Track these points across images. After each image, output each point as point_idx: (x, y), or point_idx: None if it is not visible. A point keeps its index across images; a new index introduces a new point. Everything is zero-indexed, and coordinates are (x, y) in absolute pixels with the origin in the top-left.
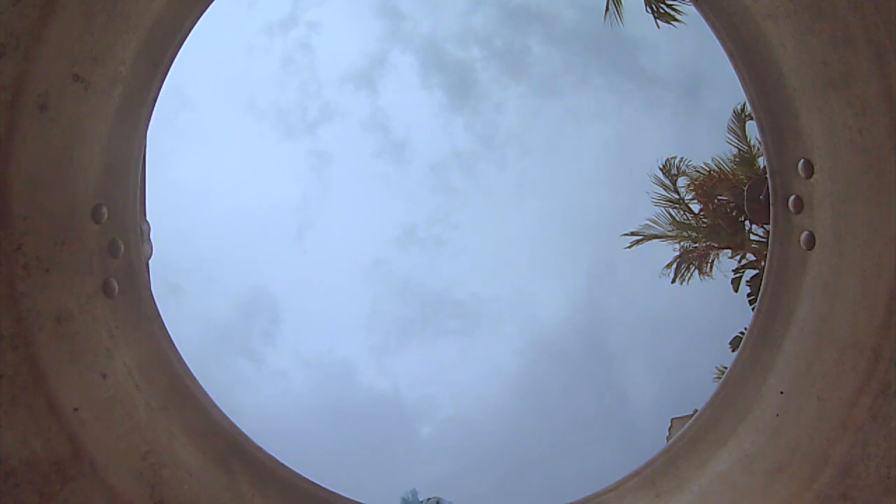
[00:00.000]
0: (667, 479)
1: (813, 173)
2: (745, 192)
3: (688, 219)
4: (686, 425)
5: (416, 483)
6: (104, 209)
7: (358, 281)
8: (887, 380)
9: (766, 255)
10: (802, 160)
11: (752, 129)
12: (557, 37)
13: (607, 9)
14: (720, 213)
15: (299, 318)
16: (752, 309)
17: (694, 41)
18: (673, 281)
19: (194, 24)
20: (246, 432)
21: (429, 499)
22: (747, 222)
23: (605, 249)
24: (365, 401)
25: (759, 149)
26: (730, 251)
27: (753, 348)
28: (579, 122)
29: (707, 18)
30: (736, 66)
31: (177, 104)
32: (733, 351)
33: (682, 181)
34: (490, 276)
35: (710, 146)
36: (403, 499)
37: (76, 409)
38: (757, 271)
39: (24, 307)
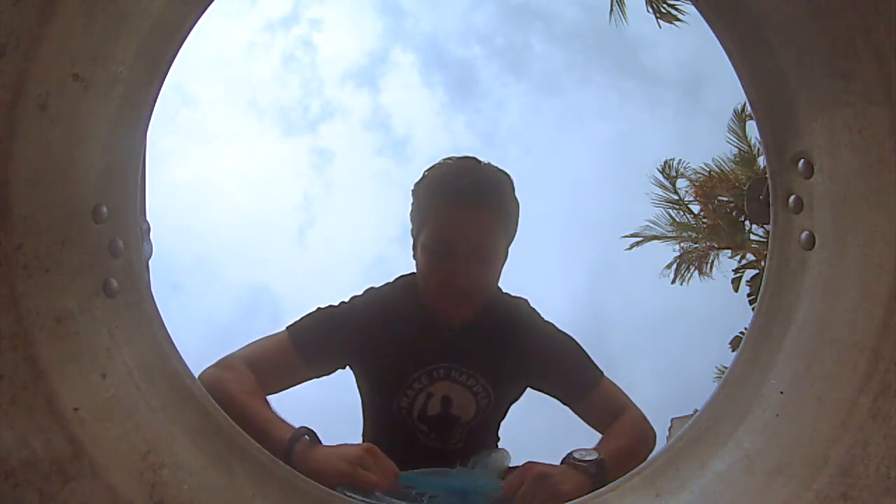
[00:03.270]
0: (667, 478)
1: (813, 173)
2: (745, 192)
3: (688, 220)
4: (686, 425)
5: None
6: (104, 209)
7: (360, 279)
8: (887, 380)
9: (766, 255)
10: (802, 160)
11: (752, 128)
12: (559, 35)
13: (612, 10)
14: (720, 214)
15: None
16: (752, 309)
17: (695, 40)
18: (673, 281)
19: (195, 23)
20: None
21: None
22: (747, 222)
23: (606, 248)
24: None
25: (759, 149)
26: (730, 251)
27: (753, 348)
28: (581, 120)
29: (706, 18)
30: (736, 66)
31: (178, 102)
32: (733, 351)
33: (682, 182)
34: None
35: (711, 145)
36: None
37: (76, 409)
38: (757, 271)
39: (24, 307)
